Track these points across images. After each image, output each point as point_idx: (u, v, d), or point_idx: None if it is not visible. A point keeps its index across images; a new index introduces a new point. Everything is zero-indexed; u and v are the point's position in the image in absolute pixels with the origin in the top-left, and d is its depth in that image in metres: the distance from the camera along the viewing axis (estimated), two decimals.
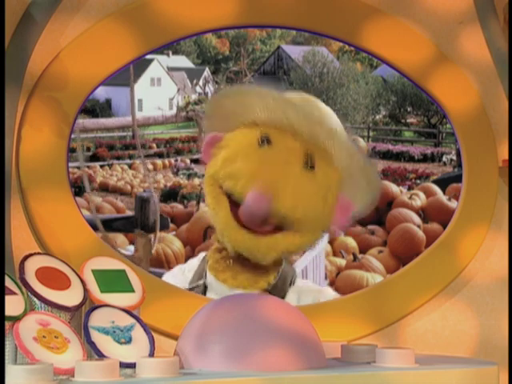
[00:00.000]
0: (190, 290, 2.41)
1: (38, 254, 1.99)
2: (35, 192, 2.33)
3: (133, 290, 1.99)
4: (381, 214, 8.33)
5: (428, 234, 7.33)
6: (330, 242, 7.51)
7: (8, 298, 1.79)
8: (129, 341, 1.84)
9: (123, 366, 1.77)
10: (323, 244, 6.94)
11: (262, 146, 2.22)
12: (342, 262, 7.16)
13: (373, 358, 1.95)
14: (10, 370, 1.67)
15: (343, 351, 2.04)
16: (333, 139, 2.21)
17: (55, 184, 2.35)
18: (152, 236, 4.96)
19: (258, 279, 2.34)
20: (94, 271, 1.98)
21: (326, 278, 6.79)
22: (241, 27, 2.59)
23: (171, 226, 7.35)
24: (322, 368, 1.92)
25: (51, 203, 2.35)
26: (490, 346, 2.52)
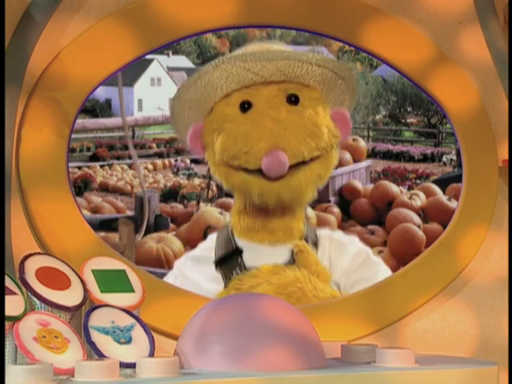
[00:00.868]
0: (224, 258, 2.45)
1: (38, 254, 1.99)
2: (35, 192, 2.33)
3: (133, 290, 1.99)
4: (381, 213, 8.32)
5: (428, 234, 7.30)
6: None
7: (8, 298, 1.79)
8: (129, 341, 1.84)
9: (123, 365, 1.77)
10: None
11: (246, 112, 2.31)
12: None
13: (373, 358, 1.95)
14: (10, 370, 1.67)
15: (343, 351, 2.04)
16: (304, 64, 2.31)
17: (55, 184, 2.35)
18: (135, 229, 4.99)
19: (292, 231, 2.44)
20: (93, 271, 1.98)
21: None
22: (241, 27, 2.59)
23: (171, 225, 7.34)
24: (322, 368, 1.92)
25: (51, 203, 2.35)
26: (489, 346, 2.52)
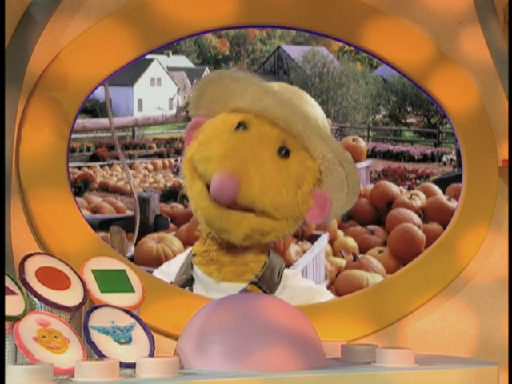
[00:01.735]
0: (176, 284, 2.41)
1: (38, 254, 1.99)
2: (35, 192, 2.33)
3: (133, 290, 1.99)
4: (381, 213, 8.33)
5: (428, 234, 7.32)
6: (330, 242, 7.50)
7: (8, 298, 1.79)
8: (129, 341, 1.84)
9: (123, 365, 1.77)
10: (323, 244, 6.94)
11: (238, 130, 2.24)
12: (342, 261, 7.16)
13: (373, 358, 1.95)
14: (10, 370, 1.67)
15: (343, 351, 2.04)
16: (309, 129, 2.21)
17: (55, 184, 2.35)
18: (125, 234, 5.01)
19: (244, 271, 2.35)
20: (94, 271, 1.98)
21: (325, 277, 6.79)
22: (241, 27, 2.59)
23: (171, 225, 7.35)
24: (322, 368, 1.92)
25: (51, 203, 2.35)
26: (489, 346, 2.52)
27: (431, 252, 2.56)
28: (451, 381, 1.92)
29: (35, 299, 1.85)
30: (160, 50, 2.56)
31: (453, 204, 7.71)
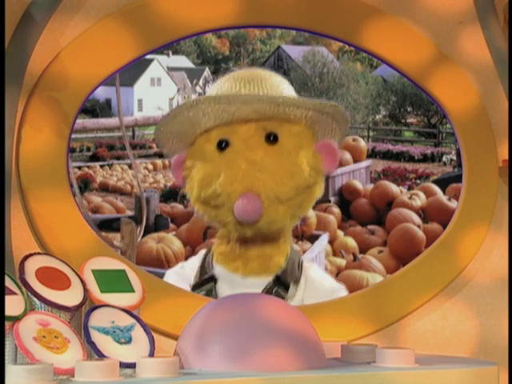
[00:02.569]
0: (199, 285, 2.42)
1: (38, 254, 1.99)
2: (35, 192, 2.33)
3: (133, 290, 1.99)
4: (381, 213, 8.33)
5: (428, 234, 7.32)
6: (330, 242, 7.50)
7: (8, 298, 1.79)
8: (129, 341, 1.84)
9: (123, 365, 1.77)
10: (323, 244, 6.93)
11: (223, 150, 2.25)
12: (342, 261, 7.16)
13: (373, 358, 1.95)
14: (10, 370, 1.67)
15: (343, 351, 2.04)
16: (281, 106, 2.23)
17: (55, 184, 2.35)
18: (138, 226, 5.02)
19: (269, 264, 2.36)
20: (93, 271, 1.98)
21: None
22: (241, 27, 2.59)
23: (171, 225, 7.35)
24: (322, 368, 1.92)
25: (51, 203, 2.35)
26: (490, 346, 2.52)
27: (431, 252, 2.56)
28: (451, 381, 1.92)
29: (35, 299, 1.85)
30: (160, 50, 2.56)
31: (453, 204, 7.71)
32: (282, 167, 2.23)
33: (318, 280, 2.50)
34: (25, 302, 1.82)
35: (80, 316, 1.88)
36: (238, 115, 2.22)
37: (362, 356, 2.00)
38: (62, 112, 2.35)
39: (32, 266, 1.90)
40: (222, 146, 2.25)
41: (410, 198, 8.31)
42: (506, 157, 2.52)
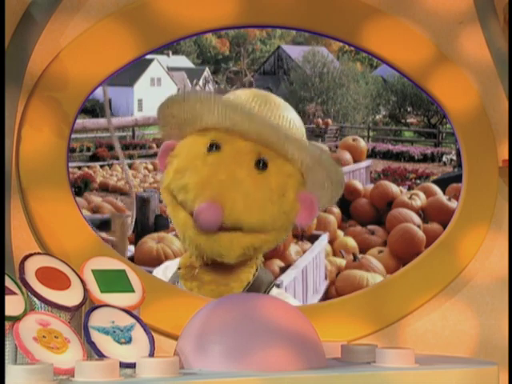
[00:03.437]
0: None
1: (38, 254, 1.99)
2: (35, 192, 2.33)
3: (133, 290, 1.99)
4: (381, 213, 8.33)
5: (428, 234, 7.32)
6: (330, 242, 7.50)
7: (8, 298, 1.79)
8: (129, 341, 1.84)
9: (123, 365, 1.77)
10: (323, 244, 6.93)
11: (211, 152, 2.21)
12: (342, 261, 7.15)
13: (373, 358, 1.95)
14: (10, 370, 1.66)
15: (343, 351, 2.04)
16: (282, 138, 2.19)
17: (55, 184, 2.35)
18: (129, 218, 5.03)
19: (224, 291, 2.31)
20: (94, 271, 1.98)
21: (325, 278, 6.78)
22: (241, 27, 2.59)
23: (171, 225, 7.34)
24: (322, 368, 1.92)
25: (51, 203, 2.35)
26: (490, 346, 2.52)
27: (431, 252, 2.56)
28: (451, 381, 1.92)
29: (35, 299, 1.85)
30: (160, 50, 2.55)
31: (453, 204, 7.71)
32: (258, 196, 2.17)
33: None
34: (25, 302, 1.82)
35: (80, 316, 1.88)
36: (239, 128, 2.18)
37: (362, 356, 2.00)
38: (62, 112, 2.35)
39: (32, 265, 1.90)
40: (213, 148, 2.21)
41: (410, 198, 8.30)
42: (506, 157, 2.52)
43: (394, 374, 1.87)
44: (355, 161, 9.34)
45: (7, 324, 1.76)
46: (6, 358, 1.76)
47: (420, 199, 8.27)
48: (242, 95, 2.32)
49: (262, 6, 2.47)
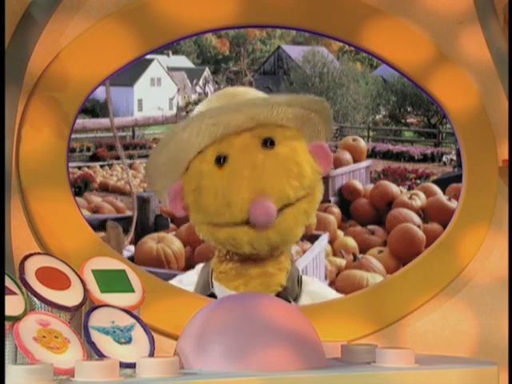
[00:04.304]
0: None
1: (38, 254, 1.99)
2: (35, 192, 2.33)
3: (133, 290, 1.99)
4: (381, 213, 8.32)
5: (428, 234, 7.31)
6: (330, 242, 7.49)
7: (8, 298, 1.79)
8: (129, 341, 1.84)
9: (123, 365, 1.77)
10: (323, 244, 6.93)
11: (222, 166, 2.20)
12: (342, 261, 7.15)
13: (373, 357, 1.95)
14: (10, 370, 1.67)
15: (343, 351, 2.04)
16: (273, 107, 2.21)
17: (55, 184, 2.35)
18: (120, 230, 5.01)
19: (270, 282, 2.33)
20: (94, 271, 1.98)
21: (326, 278, 6.78)
22: (241, 27, 2.59)
23: (171, 226, 7.33)
24: (322, 368, 1.92)
25: (51, 203, 2.35)
26: (490, 346, 2.52)
27: (431, 252, 2.56)
28: (451, 381, 1.92)
29: (35, 299, 1.85)
30: (160, 50, 2.56)
31: (453, 204, 7.70)
32: (285, 168, 2.21)
33: (320, 293, 2.49)
34: (25, 302, 1.82)
35: (80, 316, 1.88)
36: (234, 125, 2.19)
37: (362, 356, 2.00)
38: (62, 112, 2.35)
39: (32, 266, 1.90)
40: (221, 161, 2.20)
41: (410, 198, 8.29)
42: (506, 157, 2.52)
43: (394, 374, 1.88)
44: (355, 161, 9.33)
45: (7, 324, 1.76)
46: (6, 358, 1.76)
47: (420, 199, 8.26)
48: (210, 103, 2.32)
49: (262, 6, 2.47)
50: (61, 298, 1.86)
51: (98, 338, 1.81)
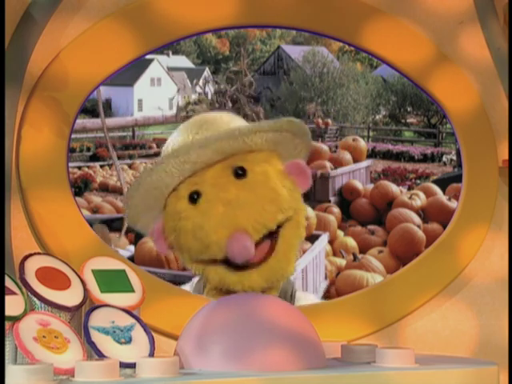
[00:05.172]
0: None
1: (38, 254, 1.99)
2: (35, 192, 2.33)
3: (133, 290, 1.99)
4: (381, 213, 8.34)
5: (428, 234, 7.33)
6: (330, 242, 7.51)
7: (8, 298, 1.79)
8: (129, 341, 1.84)
9: (123, 366, 1.77)
10: (323, 244, 6.94)
11: (196, 202, 2.14)
12: (342, 261, 7.16)
13: (373, 357, 1.95)
14: (10, 370, 1.67)
15: (343, 351, 2.04)
16: (240, 138, 2.15)
17: (55, 184, 2.35)
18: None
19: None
20: (94, 271, 1.98)
21: (325, 278, 6.79)
22: (241, 27, 2.59)
23: None
24: (322, 368, 1.92)
25: (51, 203, 2.35)
26: (489, 346, 2.52)
27: (431, 252, 2.57)
28: (451, 381, 1.92)
29: (35, 299, 1.85)
30: (160, 50, 2.56)
31: (453, 204, 7.71)
32: (260, 196, 2.13)
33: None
34: (25, 302, 1.82)
35: (80, 316, 1.88)
36: (201, 161, 2.13)
37: (362, 356, 2.00)
38: (62, 112, 2.35)
39: (32, 266, 1.90)
40: (195, 198, 2.14)
41: (410, 198, 8.31)
42: (506, 157, 2.52)
43: (393, 374, 1.87)
44: (355, 161, 9.35)
45: (7, 324, 1.76)
46: (6, 358, 1.76)
47: (420, 199, 8.28)
48: (176, 139, 2.25)
49: (262, 5, 2.47)
50: (61, 298, 1.86)
51: (97, 337, 1.81)
